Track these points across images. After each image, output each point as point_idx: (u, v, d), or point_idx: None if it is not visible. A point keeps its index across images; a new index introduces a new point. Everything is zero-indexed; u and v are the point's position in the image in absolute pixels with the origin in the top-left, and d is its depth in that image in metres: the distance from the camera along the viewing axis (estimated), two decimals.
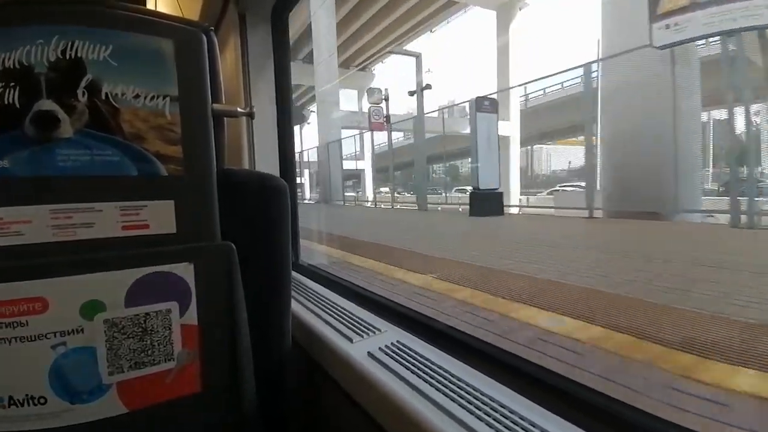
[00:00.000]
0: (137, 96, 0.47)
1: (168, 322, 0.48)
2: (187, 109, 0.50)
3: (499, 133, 7.37)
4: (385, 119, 11.18)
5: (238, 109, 0.60)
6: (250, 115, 0.64)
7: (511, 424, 0.44)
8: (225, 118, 0.58)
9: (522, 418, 0.45)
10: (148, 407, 0.48)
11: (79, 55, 0.44)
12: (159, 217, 0.49)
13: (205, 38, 0.51)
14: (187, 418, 0.50)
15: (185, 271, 0.49)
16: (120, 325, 0.46)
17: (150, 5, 1.72)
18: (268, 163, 1.20)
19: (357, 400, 0.59)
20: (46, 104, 0.44)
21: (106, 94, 0.46)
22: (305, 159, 16.99)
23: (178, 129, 0.49)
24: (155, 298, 0.48)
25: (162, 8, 1.66)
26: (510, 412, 0.46)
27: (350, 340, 0.67)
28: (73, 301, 0.44)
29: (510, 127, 11.60)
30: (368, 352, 0.62)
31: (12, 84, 0.42)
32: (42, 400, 0.44)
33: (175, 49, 0.49)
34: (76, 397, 0.45)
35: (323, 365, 0.70)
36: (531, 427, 0.43)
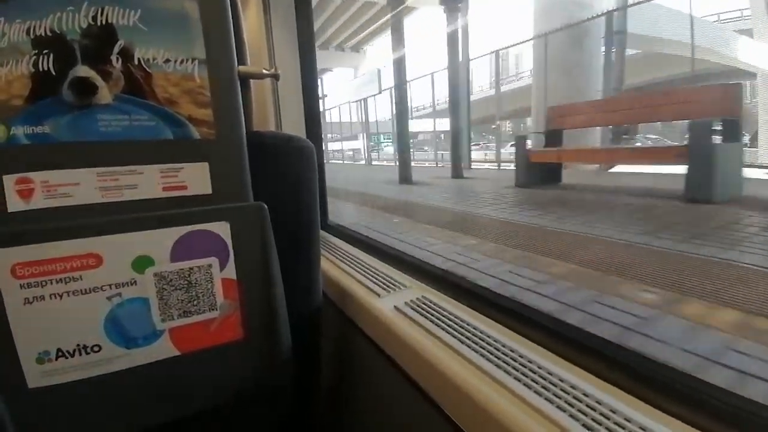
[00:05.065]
0: (168, 60, 0.47)
1: (210, 276, 0.52)
2: (215, 71, 0.50)
3: None
4: None
5: (264, 71, 0.60)
6: (275, 77, 0.64)
7: (539, 378, 0.44)
8: (251, 80, 0.58)
9: (550, 373, 0.45)
10: (198, 351, 0.53)
11: (109, 20, 0.45)
12: (195, 178, 0.51)
13: None
14: (232, 361, 0.55)
15: (222, 229, 0.52)
16: (168, 278, 0.50)
17: None
18: (294, 124, 1.21)
19: (384, 349, 0.63)
20: (83, 70, 0.45)
21: (139, 59, 0.46)
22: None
23: (208, 92, 0.50)
24: (197, 254, 0.51)
25: None
26: (538, 367, 0.46)
27: (377, 295, 0.70)
28: (126, 256, 0.48)
29: None
30: (394, 306, 0.65)
31: (45, 51, 0.43)
32: (96, 348, 0.48)
33: (200, 11, 0.48)
34: (132, 342, 0.50)
35: (353, 318, 0.74)
36: (559, 382, 0.44)
